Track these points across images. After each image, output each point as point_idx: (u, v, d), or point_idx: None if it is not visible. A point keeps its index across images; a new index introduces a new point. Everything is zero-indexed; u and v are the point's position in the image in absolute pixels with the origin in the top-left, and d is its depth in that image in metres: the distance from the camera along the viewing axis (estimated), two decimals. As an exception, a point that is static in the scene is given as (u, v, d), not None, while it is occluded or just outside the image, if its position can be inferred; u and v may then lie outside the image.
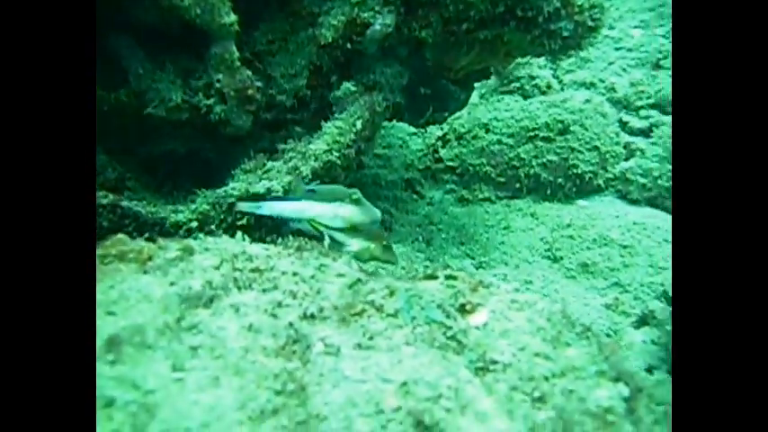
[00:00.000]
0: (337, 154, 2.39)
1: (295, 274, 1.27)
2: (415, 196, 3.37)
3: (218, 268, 1.25)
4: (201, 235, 1.38)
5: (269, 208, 2.18)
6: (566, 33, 2.47)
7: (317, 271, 1.29)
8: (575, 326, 1.29)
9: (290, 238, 1.40)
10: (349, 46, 2.47)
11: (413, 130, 3.67)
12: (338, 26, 2.43)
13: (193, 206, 2.25)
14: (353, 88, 2.56)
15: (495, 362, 1.15)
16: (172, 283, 1.19)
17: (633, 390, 1.19)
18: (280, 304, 1.18)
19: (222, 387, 0.99)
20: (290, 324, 1.14)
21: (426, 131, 3.69)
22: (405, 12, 2.44)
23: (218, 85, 2.37)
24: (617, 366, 1.23)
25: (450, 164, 3.45)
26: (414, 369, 1.08)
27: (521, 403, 1.08)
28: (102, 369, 0.96)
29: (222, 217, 2.24)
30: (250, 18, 2.44)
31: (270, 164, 2.36)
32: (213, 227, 2.24)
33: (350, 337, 1.14)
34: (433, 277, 1.39)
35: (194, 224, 2.23)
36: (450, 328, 1.20)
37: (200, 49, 2.34)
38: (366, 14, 2.39)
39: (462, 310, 1.30)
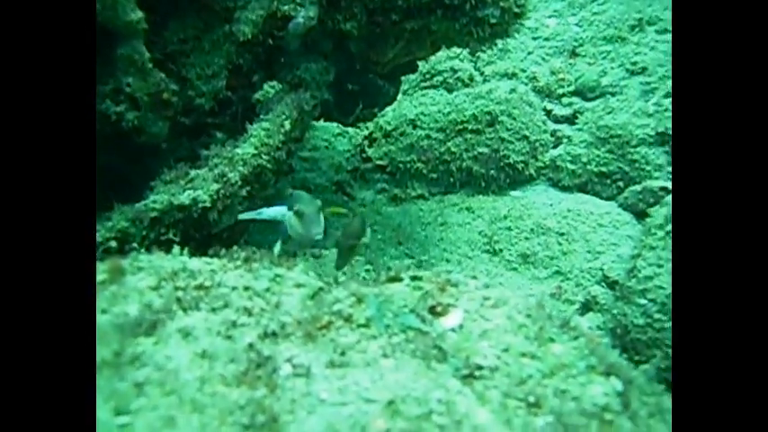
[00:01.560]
0: (267, 157, 2.23)
1: (247, 288, 1.12)
2: (346, 198, 3.24)
3: (156, 289, 1.08)
4: (135, 252, 1.19)
5: (266, 213, 2.19)
6: (493, 20, 2.42)
7: (271, 283, 1.14)
8: (553, 320, 1.21)
9: (235, 248, 1.24)
10: (270, 42, 2.32)
11: (338, 130, 3.54)
12: (257, 21, 2.27)
13: (109, 223, 2.03)
14: (278, 87, 2.41)
15: (480, 367, 1.04)
16: (103, 311, 1.02)
17: (625, 383, 1.11)
18: (234, 324, 1.03)
19: (179, 428, 0.83)
20: (250, 345, 0.99)
21: (350, 132, 3.57)
22: (327, 3, 2.31)
23: (128, 89, 2.16)
24: (604, 359, 1.15)
25: (380, 162, 3.35)
26: (398, 384, 0.95)
27: (516, 410, 0.98)
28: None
29: (144, 233, 2.03)
30: (157, 16, 2.25)
31: (193, 172, 2.17)
32: (135, 245, 2.03)
33: (319, 354, 1.01)
34: (396, 279, 1.27)
35: (113, 243, 2.01)
36: (426, 333, 1.09)
37: (104, 51, 2.12)
38: (287, 7, 2.25)
39: (433, 312, 1.19)
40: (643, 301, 2.34)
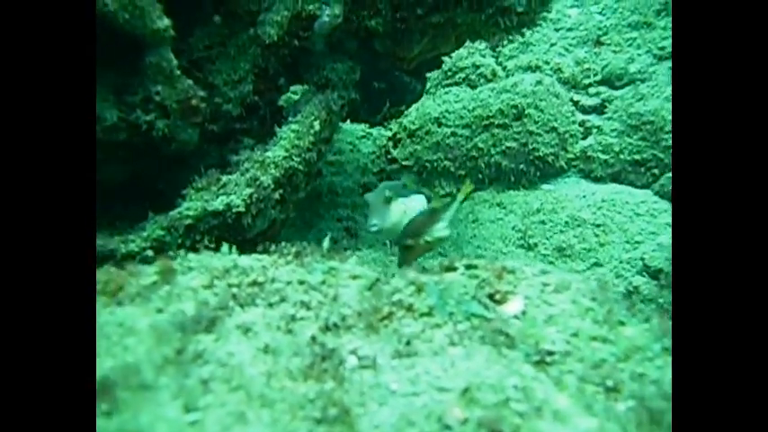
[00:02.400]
0: (298, 159, 2.21)
1: (302, 282, 1.08)
2: (374, 200, 3.20)
3: (209, 287, 1.05)
4: (182, 252, 1.17)
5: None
6: (519, 8, 2.37)
7: (326, 275, 1.10)
8: (620, 302, 1.16)
9: (284, 244, 1.21)
10: (296, 43, 2.29)
11: (362, 133, 3.51)
12: (282, 22, 2.25)
13: (145, 233, 2.01)
14: (305, 89, 2.39)
15: (551, 353, 1.00)
16: (159, 311, 0.99)
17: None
18: (293, 318, 0.99)
19: (251, 424, 0.79)
20: (313, 339, 0.95)
21: (374, 134, 3.54)
22: (352, 0, 2.28)
23: (157, 98, 2.13)
24: (678, 339, 1.09)
25: (406, 163, 3.31)
26: (470, 372, 0.91)
27: (595, 395, 0.93)
28: (98, 423, 0.74)
29: (180, 241, 2.01)
30: (182, 23, 2.23)
31: (225, 178, 2.14)
32: (171, 253, 2.00)
33: (384, 344, 0.97)
34: (451, 269, 1.23)
35: (149, 253, 1.99)
36: (491, 320, 1.04)
37: (133, 60, 2.10)
38: (312, 6, 2.22)
39: (493, 300, 1.14)
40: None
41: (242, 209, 2.06)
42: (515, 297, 1.17)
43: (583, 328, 1.06)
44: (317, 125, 2.27)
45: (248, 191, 2.09)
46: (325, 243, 1.24)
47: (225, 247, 1.19)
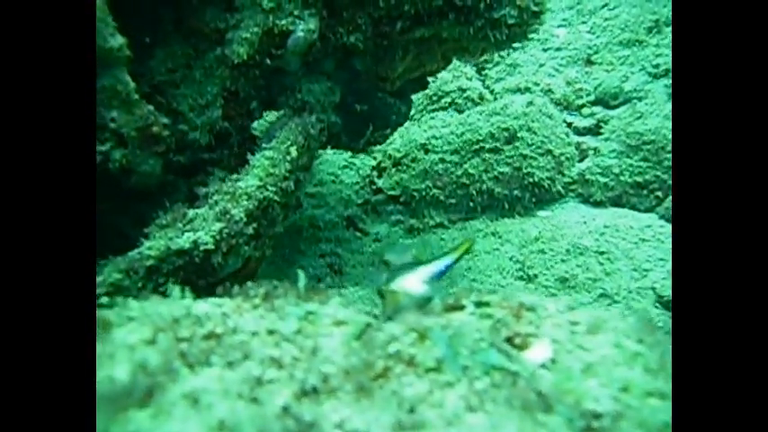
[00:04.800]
0: (273, 189, 1.98)
1: (271, 332, 0.85)
2: (358, 234, 2.97)
3: (151, 343, 0.81)
4: (122, 299, 0.93)
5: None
6: (510, 20, 2.19)
7: (302, 322, 0.87)
8: (666, 342, 0.93)
9: (249, 284, 0.98)
10: (268, 62, 2.09)
11: (343, 162, 3.30)
12: (252, 40, 2.04)
13: (101, 277, 1.76)
14: (280, 113, 2.18)
15: (597, 415, 0.77)
16: (80, 379, 0.75)
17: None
18: (259, 381, 0.76)
19: None
20: (285, 409, 0.71)
21: (356, 163, 3.33)
22: (328, 15, 2.09)
23: (112, 125, 1.90)
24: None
25: (392, 193, 3.09)
26: (500, 449, 0.67)
27: (665, 472, 0.70)
28: None
29: (140, 284, 1.77)
30: (141, 44, 2.02)
31: (192, 212, 1.91)
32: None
33: (380, 413, 0.73)
34: (457, 308, 1.00)
35: (104, 300, 1.73)
36: (516, 374, 0.81)
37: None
38: (284, 21, 2.02)
39: (511, 345, 0.92)
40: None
41: (211, 246, 1.83)
42: (540, 341, 0.94)
43: (633, 379, 0.83)
44: (293, 151, 2.05)
45: (218, 226, 1.86)
46: (301, 280, 1.00)
47: (176, 290, 0.96)
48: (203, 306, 0.91)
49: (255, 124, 2.37)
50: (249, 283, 0.97)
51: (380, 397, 0.75)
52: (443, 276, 1.96)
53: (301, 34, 2.02)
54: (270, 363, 0.79)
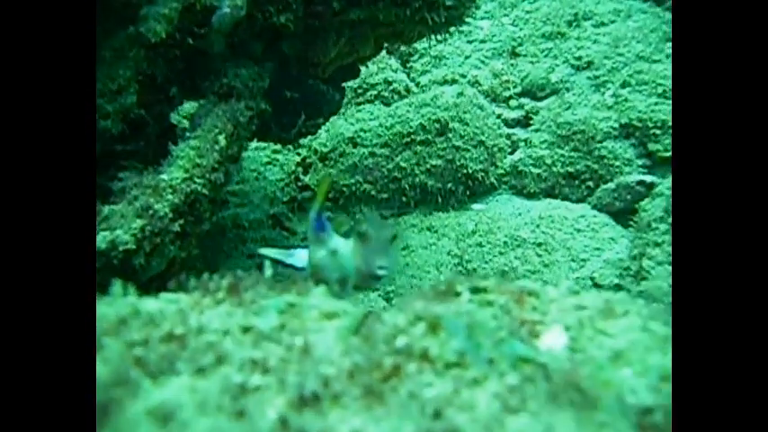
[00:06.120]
0: (201, 181, 1.78)
1: (247, 329, 0.68)
2: (285, 233, 2.79)
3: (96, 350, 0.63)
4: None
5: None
6: (449, 2, 2.10)
7: (284, 316, 0.71)
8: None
9: (206, 276, 0.80)
10: (190, 42, 1.89)
11: (266, 158, 3.11)
12: (171, 16, 1.83)
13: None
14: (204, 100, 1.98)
15: (648, 410, 0.66)
16: None
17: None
18: (244, 389, 0.59)
19: None
20: (282, 421, 0.56)
21: (280, 159, 3.15)
22: (256, -9, 1.92)
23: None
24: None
25: (320, 189, 2.93)
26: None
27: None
28: None
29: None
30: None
31: (107, 209, 1.69)
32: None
33: (399, 421, 0.59)
34: (452, 293, 0.86)
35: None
36: (546, 366, 0.69)
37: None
38: (208, -4, 1.83)
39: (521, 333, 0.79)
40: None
41: (132, 246, 1.62)
42: (551, 328, 0.82)
43: (668, 365, 0.73)
44: (222, 140, 1.86)
45: (139, 223, 1.65)
46: (268, 270, 0.84)
47: (117, 285, 0.77)
48: (153, 303, 0.73)
49: (175, 114, 2.16)
50: (208, 275, 0.80)
51: (396, 401, 0.61)
52: (324, 227, 1.74)
53: (227, 11, 1.84)
54: (252, 366, 0.63)
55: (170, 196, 1.71)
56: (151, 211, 1.67)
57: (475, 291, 0.87)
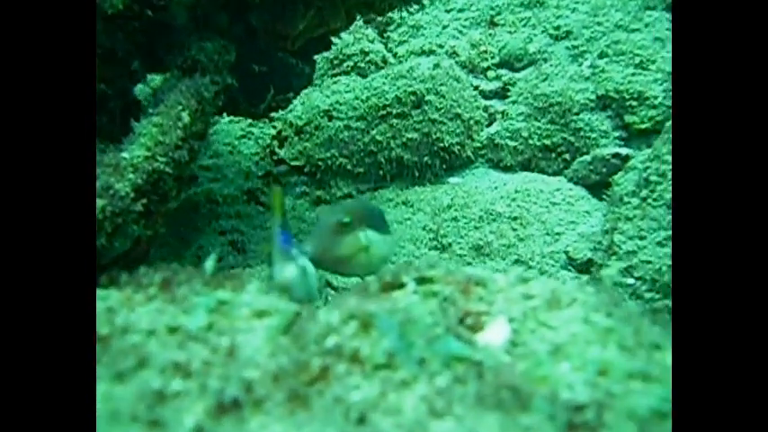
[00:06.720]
0: (164, 160, 1.75)
1: (174, 329, 0.66)
2: (261, 208, 2.76)
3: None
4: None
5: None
6: (420, -28, 2.04)
7: (213, 315, 0.69)
8: (645, 315, 0.83)
9: (143, 270, 0.78)
10: (150, 14, 1.83)
11: (240, 132, 3.06)
12: (130, -13, 1.78)
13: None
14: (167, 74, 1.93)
15: (580, 407, 0.64)
16: None
17: None
18: (161, 396, 0.58)
19: None
20: (197, 430, 0.54)
21: (255, 132, 3.10)
22: (220, -40, 1.86)
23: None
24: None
25: (295, 163, 2.89)
26: (480, 467, 0.53)
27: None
28: None
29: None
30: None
31: (68, 189, 1.65)
32: None
33: (321, 426, 0.57)
34: (396, 286, 0.85)
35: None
36: (481, 364, 0.68)
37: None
38: (168, -34, 1.77)
39: (464, 326, 0.78)
40: (630, 281, 2.04)
41: (92, 227, 1.59)
42: (495, 320, 0.81)
43: (610, 360, 0.72)
44: (185, 116, 1.82)
45: (100, 203, 1.62)
46: (209, 263, 0.82)
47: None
48: (79, 302, 0.71)
49: (138, 88, 2.11)
50: (141, 269, 0.78)
51: (320, 406, 0.59)
52: (289, 241, 1.67)
53: (188, -18, 1.79)
54: (174, 370, 0.61)
55: (131, 175, 1.67)
56: (112, 191, 1.64)
57: (420, 281, 0.86)
